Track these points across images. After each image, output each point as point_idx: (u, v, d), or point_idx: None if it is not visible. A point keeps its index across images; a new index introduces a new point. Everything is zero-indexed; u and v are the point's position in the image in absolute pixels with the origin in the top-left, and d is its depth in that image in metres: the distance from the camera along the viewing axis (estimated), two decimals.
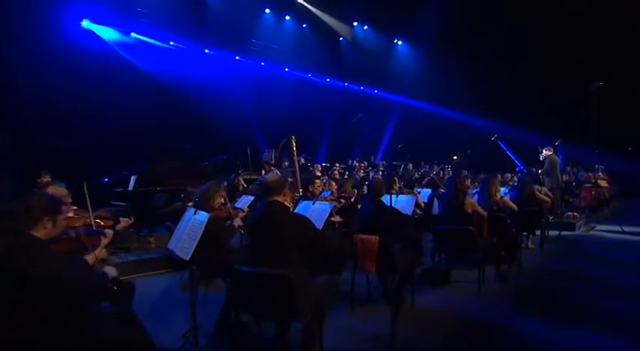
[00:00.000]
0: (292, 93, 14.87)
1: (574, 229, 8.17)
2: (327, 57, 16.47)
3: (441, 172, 13.26)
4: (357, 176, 9.65)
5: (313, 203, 3.81)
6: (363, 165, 12.19)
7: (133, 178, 6.77)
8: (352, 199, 6.01)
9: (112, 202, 6.79)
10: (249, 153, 11.54)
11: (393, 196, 4.71)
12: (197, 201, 3.60)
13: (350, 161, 13.96)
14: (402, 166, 14.82)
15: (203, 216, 2.78)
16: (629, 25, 12.88)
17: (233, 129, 12.54)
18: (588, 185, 10.20)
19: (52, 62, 7.85)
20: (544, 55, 14.65)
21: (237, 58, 13.70)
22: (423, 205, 6.45)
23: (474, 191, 6.82)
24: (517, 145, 14.49)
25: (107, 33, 9.61)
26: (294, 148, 8.17)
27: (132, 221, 3.18)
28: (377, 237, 3.45)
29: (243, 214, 4.08)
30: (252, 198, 5.46)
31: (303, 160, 12.88)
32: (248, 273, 2.33)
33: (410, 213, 4.42)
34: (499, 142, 8.46)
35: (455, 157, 18.66)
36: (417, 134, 17.02)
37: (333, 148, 16.08)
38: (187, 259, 2.66)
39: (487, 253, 4.53)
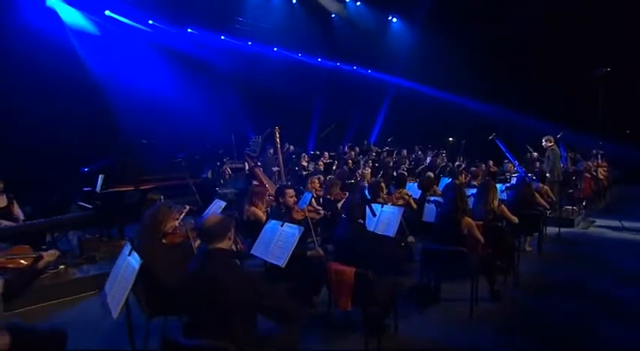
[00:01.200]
0: (281, 74, 14.12)
1: (573, 226, 7.78)
2: (318, 35, 15.62)
3: (437, 159, 12.77)
4: (345, 167, 9.13)
5: (282, 225, 3.33)
6: (353, 152, 11.64)
7: (100, 178, 6.23)
8: (339, 204, 5.56)
9: (78, 203, 6.31)
10: (233, 140, 10.98)
11: (378, 206, 4.23)
12: (146, 226, 3.11)
13: (340, 148, 13.43)
14: (395, 152, 14.33)
15: (135, 262, 2.30)
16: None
17: (216, 116, 11.90)
18: (588, 175, 9.73)
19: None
20: (548, 38, 13.83)
21: (222, 37, 12.90)
22: (415, 205, 6.01)
23: (470, 193, 6.38)
24: (517, 132, 14.01)
25: (72, 15, 8.79)
26: (279, 138, 7.67)
27: (58, 254, 2.69)
28: (353, 269, 2.99)
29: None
30: (223, 204, 4.97)
31: (292, 148, 12.35)
32: (185, 347, 1.87)
33: (395, 227, 3.94)
34: (496, 141, 7.93)
35: (450, 139, 18.15)
36: (411, 117, 16.43)
37: (324, 136, 15.52)
38: (115, 313, 2.21)
39: (481, 267, 4.10)
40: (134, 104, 9.39)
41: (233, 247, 2.79)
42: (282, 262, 3.15)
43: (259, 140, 13.05)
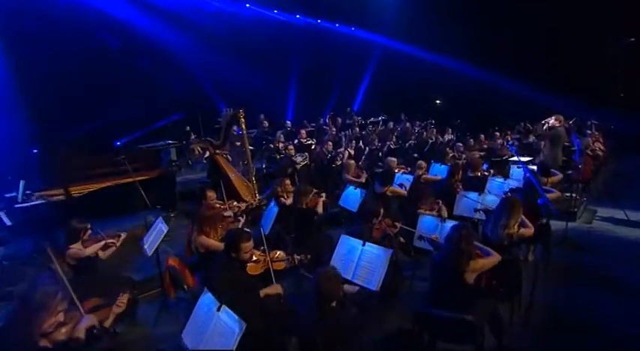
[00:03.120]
0: (254, 34, 12.55)
1: (574, 219, 7.01)
2: None
3: (424, 132, 11.76)
4: (324, 149, 8.06)
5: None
6: (335, 128, 10.50)
7: (21, 184, 5.07)
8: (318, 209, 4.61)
9: None
10: (200, 117, 9.71)
11: (362, 247, 3.25)
12: None
13: (321, 119, 12.25)
14: (381, 122, 13.24)
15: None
16: None
17: (179, 83, 10.49)
18: (589, 154, 8.91)
19: None
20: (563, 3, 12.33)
21: None
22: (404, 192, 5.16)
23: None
24: (521, 106, 13.00)
25: None
26: (243, 123, 6.49)
27: None
28: None
29: None
30: (164, 230, 3.97)
31: (267, 124, 11.11)
32: None
33: (380, 277, 3.02)
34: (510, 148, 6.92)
35: (437, 101, 17.05)
36: (397, 82, 15.16)
37: (303, 103, 14.24)
38: None
39: (488, 317, 3.26)
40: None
41: None
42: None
43: (229, 112, 11.78)
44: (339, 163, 7.78)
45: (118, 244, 3.88)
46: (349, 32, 15.41)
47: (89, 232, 3.63)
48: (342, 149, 8.91)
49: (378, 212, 3.73)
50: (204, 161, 6.78)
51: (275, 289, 3.09)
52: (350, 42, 15.24)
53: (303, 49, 13.98)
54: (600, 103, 9.47)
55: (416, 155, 10.10)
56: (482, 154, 9.15)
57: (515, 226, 3.70)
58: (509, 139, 10.78)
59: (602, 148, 10.55)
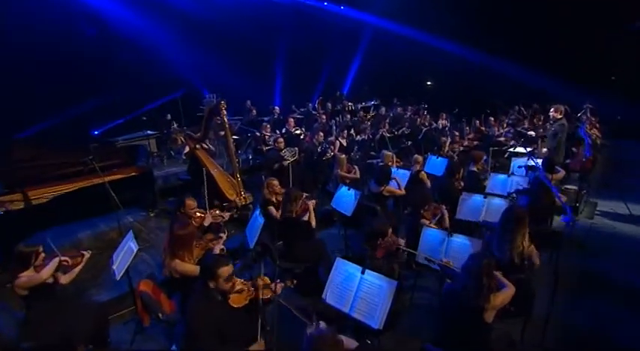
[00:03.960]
0: (236, 14, 11.75)
1: (576, 214, 6.71)
2: None
3: (417, 118, 11.29)
4: (316, 138, 7.55)
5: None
6: (325, 116, 9.95)
7: None
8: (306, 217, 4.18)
9: None
10: (180, 105, 9.06)
11: (360, 275, 2.81)
12: None
13: (310, 105, 11.68)
14: (372, 107, 12.72)
15: None
16: None
17: (158, 67, 9.78)
18: (589, 143, 8.56)
19: None
20: None
21: None
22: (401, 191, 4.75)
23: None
24: (516, 89, 12.56)
25: None
26: (225, 115, 5.90)
27: None
28: None
29: None
30: (134, 250, 3.48)
31: (255, 112, 10.50)
32: None
33: (386, 310, 2.59)
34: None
35: (428, 83, 16.52)
36: (389, 64, 14.56)
37: (290, 87, 13.58)
38: None
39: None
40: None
41: None
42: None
43: (214, 98, 11.14)
44: (330, 155, 7.31)
45: (81, 265, 3.39)
46: (338, 11, 14.64)
47: (42, 255, 3.11)
48: (332, 138, 8.43)
49: (386, 232, 3.28)
50: (184, 157, 6.22)
51: (260, 346, 2.65)
52: (339, 22, 14.50)
53: (289, 29, 13.23)
54: (595, 86, 9.05)
55: (410, 143, 9.69)
56: (477, 143, 8.74)
57: (524, 242, 3.31)
58: (505, 125, 10.40)
59: (598, 134, 10.26)
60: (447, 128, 10.97)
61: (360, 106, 12.30)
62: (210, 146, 6.42)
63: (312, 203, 4.36)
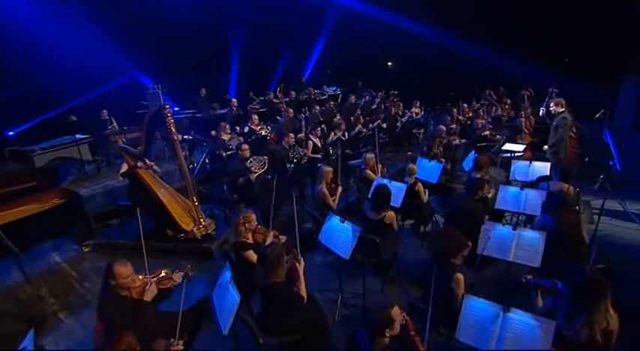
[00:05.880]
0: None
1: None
2: None
3: (392, 107, 10.31)
4: (286, 142, 6.37)
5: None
6: (292, 109, 8.72)
7: None
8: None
9: None
10: (113, 96, 7.42)
11: None
12: None
13: (270, 93, 10.36)
14: (340, 95, 11.63)
15: None
16: None
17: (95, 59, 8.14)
18: (572, 136, 7.98)
19: None
20: None
21: None
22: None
23: None
24: (486, 73, 11.91)
25: None
26: (172, 124, 4.52)
27: None
28: None
29: None
30: None
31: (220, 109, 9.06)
32: None
33: None
34: None
35: (389, 63, 15.60)
36: (354, 47, 13.41)
37: (246, 72, 12.16)
38: None
39: None
40: None
41: None
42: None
43: (159, 89, 9.53)
44: (304, 161, 6.20)
45: None
46: None
47: None
48: (302, 135, 7.28)
49: (392, 324, 2.25)
50: (121, 179, 4.81)
51: None
52: (300, 1, 13.10)
53: (243, 10, 11.74)
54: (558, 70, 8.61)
55: (387, 138, 8.77)
56: (462, 141, 7.93)
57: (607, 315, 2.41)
58: (483, 114, 9.68)
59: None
60: (422, 118, 10.15)
61: (327, 93, 11.17)
62: (156, 167, 5.03)
63: (301, 267, 3.17)
